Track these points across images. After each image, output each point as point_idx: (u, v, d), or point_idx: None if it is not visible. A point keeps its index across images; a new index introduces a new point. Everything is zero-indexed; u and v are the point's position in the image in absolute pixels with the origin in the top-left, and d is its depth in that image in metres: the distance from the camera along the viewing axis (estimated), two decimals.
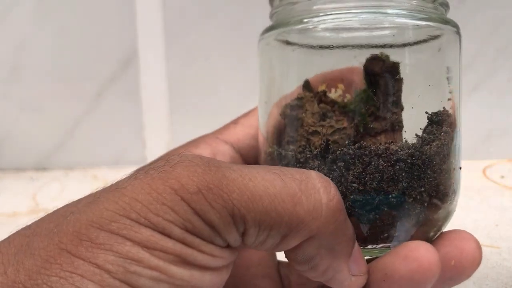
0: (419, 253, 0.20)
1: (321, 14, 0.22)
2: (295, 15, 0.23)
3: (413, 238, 0.22)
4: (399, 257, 0.21)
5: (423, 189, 0.22)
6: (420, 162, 0.21)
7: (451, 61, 0.23)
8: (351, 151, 0.21)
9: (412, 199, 0.21)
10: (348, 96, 0.23)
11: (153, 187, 0.18)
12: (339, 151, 0.22)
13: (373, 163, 0.21)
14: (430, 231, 0.23)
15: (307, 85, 0.24)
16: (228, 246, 0.19)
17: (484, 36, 0.61)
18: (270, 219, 0.18)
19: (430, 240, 0.22)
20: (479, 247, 0.22)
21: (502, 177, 0.58)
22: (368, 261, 0.22)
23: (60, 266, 0.16)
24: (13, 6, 0.63)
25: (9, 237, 0.18)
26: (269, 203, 0.18)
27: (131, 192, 0.18)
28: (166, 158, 0.19)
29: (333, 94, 0.23)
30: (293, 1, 0.23)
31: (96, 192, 0.19)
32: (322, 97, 0.23)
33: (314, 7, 0.23)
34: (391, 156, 0.21)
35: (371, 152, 0.21)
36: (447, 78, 0.23)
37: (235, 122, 0.29)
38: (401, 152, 0.21)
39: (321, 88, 0.23)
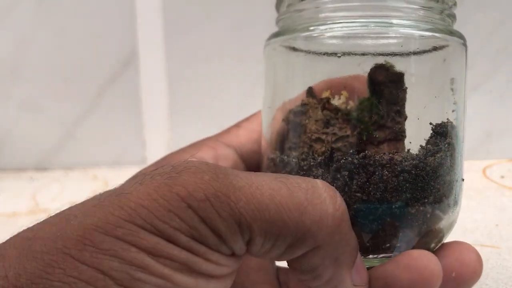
0: (421, 262, 0.20)
1: (328, 22, 0.22)
2: (301, 22, 0.23)
3: (414, 249, 0.22)
4: (400, 266, 0.21)
5: (426, 200, 0.21)
6: (424, 174, 0.21)
7: (456, 72, 0.23)
8: (355, 161, 0.21)
9: (415, 210, 0.21)
10: (351, 103, 0.23)
11: (159, 193, 0.17)
12: (343, 160, 0.21)
13: (377, 173, 0.21)
14: (431, 242, 0.23)
15: (310, 92, 0.24)
16: (233, 254, 0.19)
17: (484, 36, 0.61)
18: (276, 229, 0.18)
19: (431, 251, 0.22)
20: (480, 259, 0.22)
21: (502, 177, 0.58)
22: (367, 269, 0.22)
23: (64, 271, 0.16)
24: (13, 6, 0.63)
25: (10, 239, 0.17)
26: (276, 212, 0.18)
27: (137, 197, 0.17)
28: (171, 163, 0.19)
29: (336, 101, 0.23)
30: (300, 8, 0.23)
31: (100, 196, 0.18)
32: (326, 104, 0.23)
33: (321, 15, 0.23)
34: (396, 167, 0.21)
35: (375, 162, 0.21)
36: (452, 89, 0.23)
37: (237, 125, 0.29)
38: (406, 163, 0.21)
39: (325, 94, 0.23)
